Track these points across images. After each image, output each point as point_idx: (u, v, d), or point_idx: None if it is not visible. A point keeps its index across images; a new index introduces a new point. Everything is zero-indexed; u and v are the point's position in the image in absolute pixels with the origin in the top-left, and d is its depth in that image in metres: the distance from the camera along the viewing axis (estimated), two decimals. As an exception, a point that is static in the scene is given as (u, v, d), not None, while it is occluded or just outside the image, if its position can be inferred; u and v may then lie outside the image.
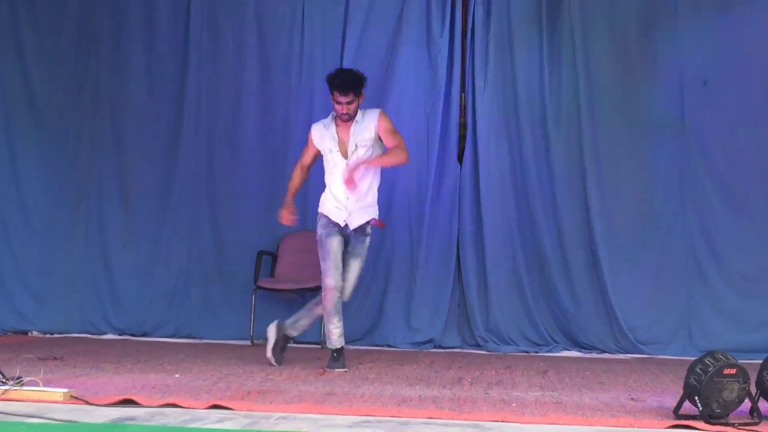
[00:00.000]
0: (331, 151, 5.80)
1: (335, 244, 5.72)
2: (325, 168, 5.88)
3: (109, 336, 7.58)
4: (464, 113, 7.51)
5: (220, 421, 3.83)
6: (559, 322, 7.30)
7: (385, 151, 5.81)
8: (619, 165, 7.34)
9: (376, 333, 7.36)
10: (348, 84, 5.68)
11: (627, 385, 5.32)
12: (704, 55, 7.32)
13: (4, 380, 4.36)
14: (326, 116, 5.95)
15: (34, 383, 4.34)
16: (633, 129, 7.35)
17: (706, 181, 7.28)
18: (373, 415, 4.04)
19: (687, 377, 4.03)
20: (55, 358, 5.85)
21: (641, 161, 7.33)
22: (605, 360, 6.83)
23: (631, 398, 4.76)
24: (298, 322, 5.89)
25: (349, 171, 5.68)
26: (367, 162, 5.73)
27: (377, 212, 5.88)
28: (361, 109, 5.80)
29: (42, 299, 7.74)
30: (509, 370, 5.94)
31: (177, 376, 5.22)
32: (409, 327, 7.35)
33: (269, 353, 5.78)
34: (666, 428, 3.93)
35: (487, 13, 7.43)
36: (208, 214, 7.71)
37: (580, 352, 7.17)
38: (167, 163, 7.78)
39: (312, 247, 6.08)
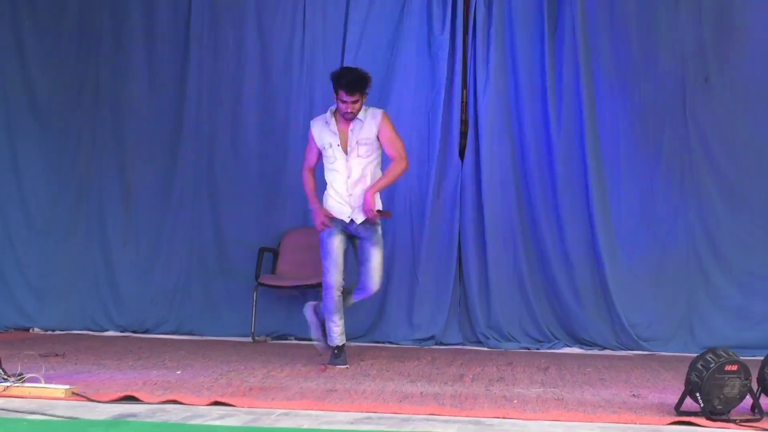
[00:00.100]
0: (331, 146, 5.75)
1: (336, 242, 5.71)
2: (325, 164, 5.82)
3: (111, 333, 7.58)
4: (465, 110, 7.50)
5: (221, 417, 3.84)
6: (561, 318, 7.30)
7: (386, 169, 5.78)
8: (620, 161, 7.33)
9: (378, 330, 7.35)
10: (355, 83, 5.62)
11: (628, 382, 5.32)
12: (706, 52, 7.31)
13: (5, 377, 4.37)
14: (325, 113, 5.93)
15: (36, 380, 4.35)
16: (634, 125, 7.35)
17: (708, 177, 7.28)
18: (375, 412, 4.04)
19: (688, 374, 4.04)
20: (57, 354, 5.86)
21: (643, 157, 7.33)
22: (607, 356, 6.82)
23: (633, 395, 4.76)
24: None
25: (365, 205, 5.62)
26: (375, 188, 5.68)
27: (381, 203, 5.83)
28: (363, 106, 5.76)
29: (43, 296, 7.74)
30: (510, 366, 5.94)
31: (178, 372, 5.23)
32: (411, 324, 7.35)
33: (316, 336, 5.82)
34: (667, 425, 3.94)
35: (489, 9, 7.41)
36: (208, 211, 7.70)
37: (582, 348, 7.17)
38: (168, 160, 7.77)
39: (313, 243, 6.07)
